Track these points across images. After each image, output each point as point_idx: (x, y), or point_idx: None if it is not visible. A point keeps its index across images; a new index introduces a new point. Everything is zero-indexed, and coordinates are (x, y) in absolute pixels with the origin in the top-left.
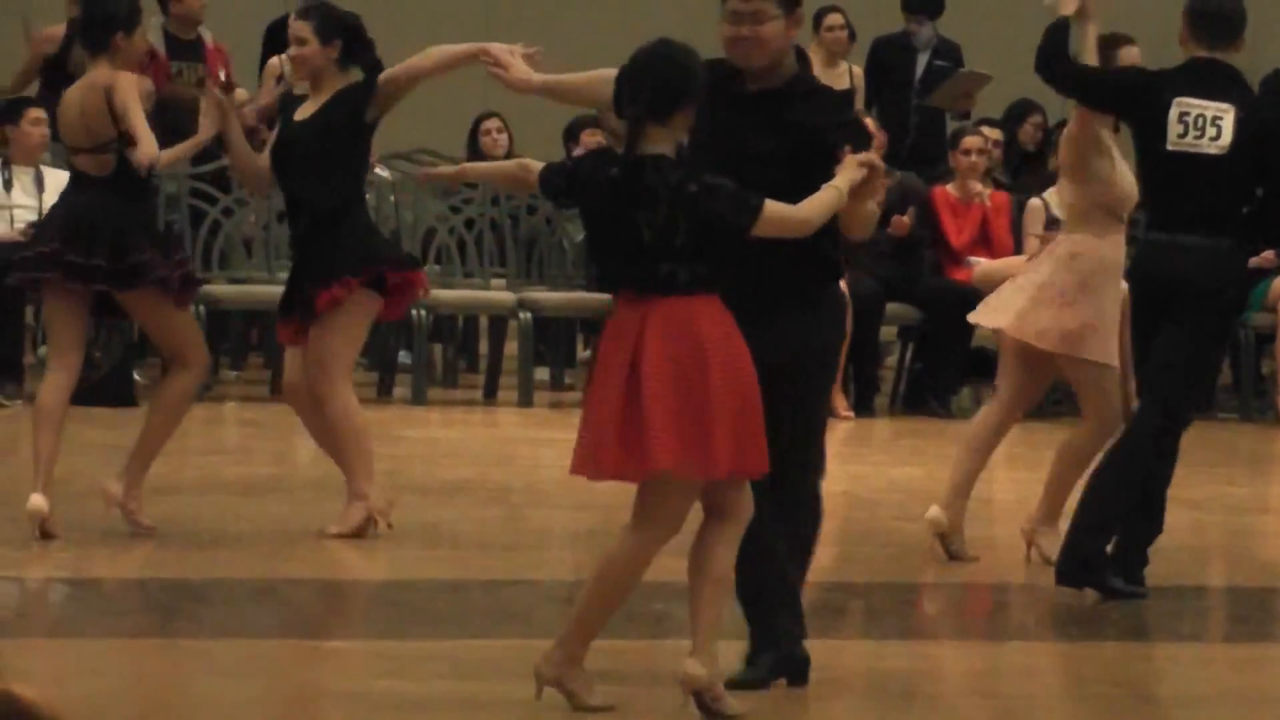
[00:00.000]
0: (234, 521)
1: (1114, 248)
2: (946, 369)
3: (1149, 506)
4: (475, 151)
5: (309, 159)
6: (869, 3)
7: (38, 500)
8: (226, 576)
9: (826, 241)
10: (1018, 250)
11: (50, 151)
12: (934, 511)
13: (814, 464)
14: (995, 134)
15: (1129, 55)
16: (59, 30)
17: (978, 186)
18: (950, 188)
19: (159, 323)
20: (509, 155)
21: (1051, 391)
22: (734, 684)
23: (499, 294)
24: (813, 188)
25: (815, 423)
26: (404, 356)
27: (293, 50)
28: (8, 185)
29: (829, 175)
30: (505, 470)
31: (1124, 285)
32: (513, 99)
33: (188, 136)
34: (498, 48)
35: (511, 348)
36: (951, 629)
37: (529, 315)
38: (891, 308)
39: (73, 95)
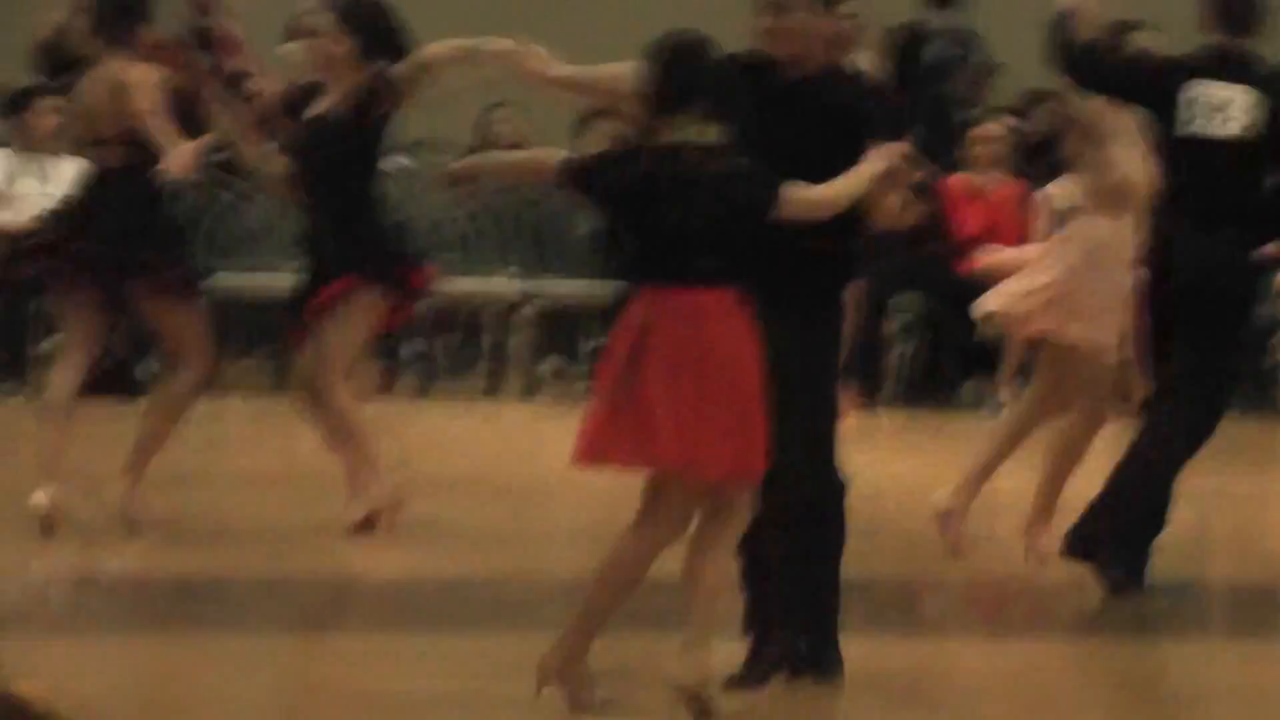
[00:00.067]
0: (238, 517)
1: (1112, 234)
2: (953, 361)
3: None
4: (485, 141)
5: (324, 155)
6: None
7: (43, 496)
8: (231, 572)
9: (848, 234)
10: (1029, 240)
11: (61, 140)
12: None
13: (820, 458)
14: (1006, 124)
15: (1140, 42)
16: (58, 15)
17: (991, 176)
18: (959, 178)
19: (162, 318)
20: (519, 145)
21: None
22: (732, 682)
23: (507, 284)
24: None
25: (820, 418)
26: (408, 348)
27: (311, 43)
28: (19, 174)
29: None
30: (510, 464)
31: (1127, 275)
32: (525, 89)
33: (199, 124)
34: (499, 43)
35: (518, 339)
36: (954, 625)
37: (537, 305)
38: (901, 298)
39: (86, 85)
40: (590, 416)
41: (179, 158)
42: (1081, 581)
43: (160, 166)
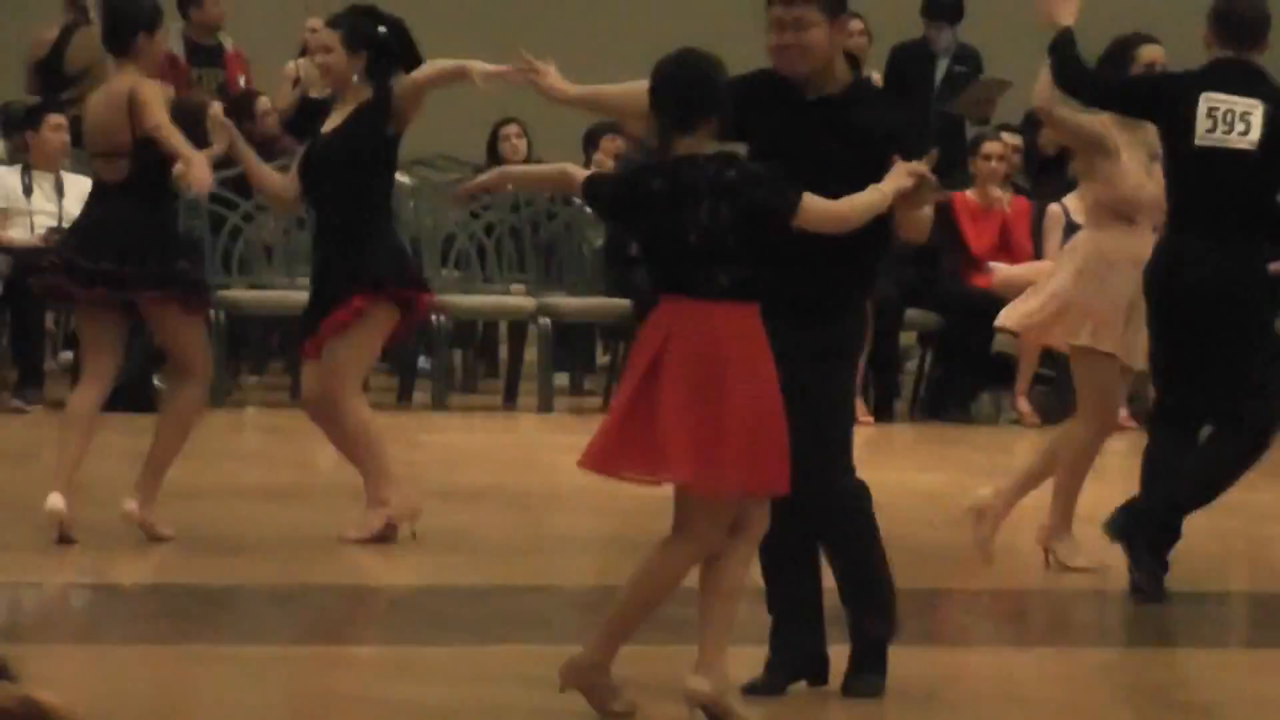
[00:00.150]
0: (254, 527)
1: (1117, 243)
2: (966, 375)
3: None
4: (495, 157)
5: (335, 172)
6: (889, 9)
7: (56, 500)
8: (246, 582)
9: (866, 248)
10: (1038, 256)
11: (71, 157)
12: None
13: (834, 463)
14: (1015, 140)
15: (1149, 53)
16: (51, 34)
17: (997, 192)
18: (970, 193)
19: (166, 328)
20: (528, 160)
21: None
22: (750, 690)
23: (519, 300)
24: None
25: (836, 426)
26: (423, 362)
27: (319, 58)
28: (28, 191)
29: None
30: (525, 475)
31: (1136, 284)
32: (532, 104)
33: (205, 143)
34: (482, 66)
35: (531, 353)
36: (972, 635)
37: (548, 321)
38: (911, 313)
39: (96, 99)
40: (604, 423)
41: (200, 168)
42: (1101, 590)
43: (181, 178)
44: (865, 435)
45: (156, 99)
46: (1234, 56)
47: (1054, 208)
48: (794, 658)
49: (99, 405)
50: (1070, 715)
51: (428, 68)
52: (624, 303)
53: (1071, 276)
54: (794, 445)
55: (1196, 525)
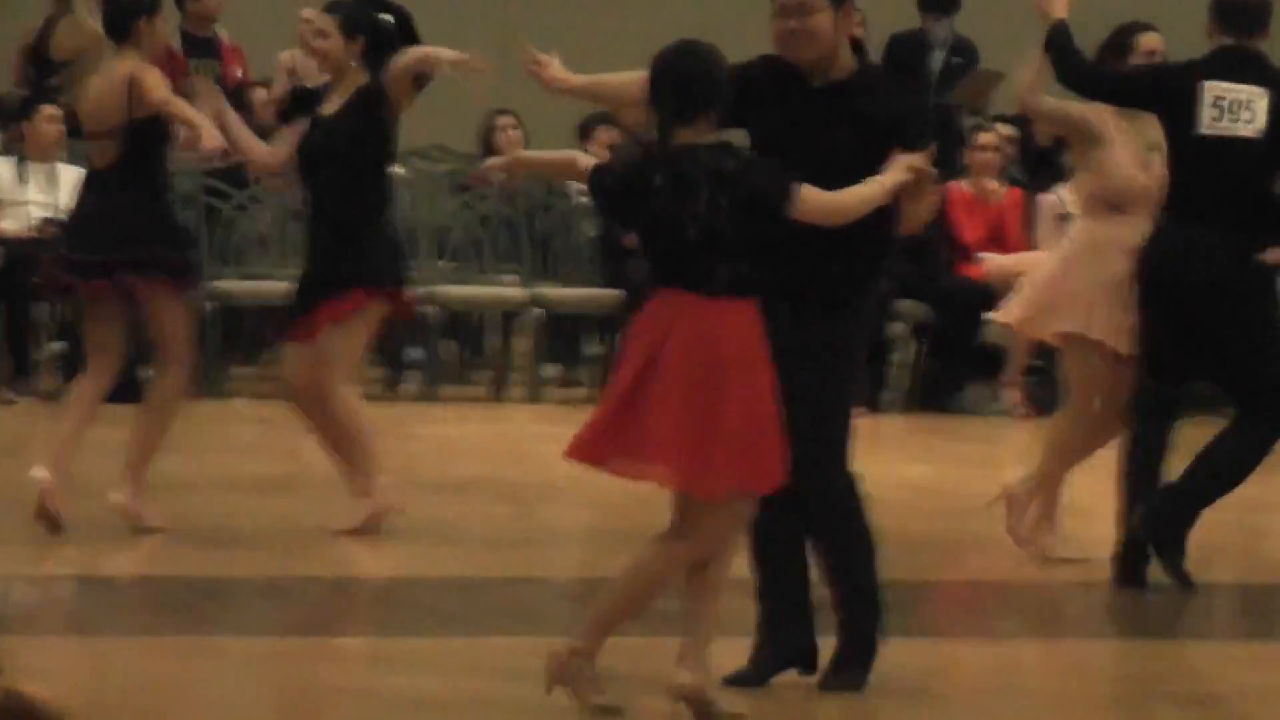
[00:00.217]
0: (245, 519)
1: (1108, 231)
2: (958, 366)
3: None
4: (489, 148)
5: (332, 157)
6: (885, 0)
7: (40, 470)
8: (237, 574)
9: (869, 244)
10: (1030, 247)
11: (66, 149)
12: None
13: (831, 460)
14: (1009, 131)
15: (1148, 41)
16: (37, 24)
17: (992, 184)
18: (964, 184)
19: (153, 311)
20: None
21: None
22: (734, 680)
23: (511, 290)
24: None
25: (834, 426)
26: (414, 353)
27: (315, 43)
28: (22, 181)
29: None
30: (515, 467)
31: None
32: (527, 96)
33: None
34: (447, 53)
35: (522, 345)
36: (961, 627)
37: (541, 311)
38: (903, 304)
39: (94, 81)
40: (595, 414)
41: (209, 132)
42: (1089, 582)
43: (191, 144)
44: (855, 426)
45: (159, 79)
46: (1236, 44)
47: (1048, 198)
48: (783, 647)
49: (101, 395)
50: (1061, 707)
51: (405, 55)
52: (617, 294)
53: (1059, 264)
54: (792, 442)
55: None
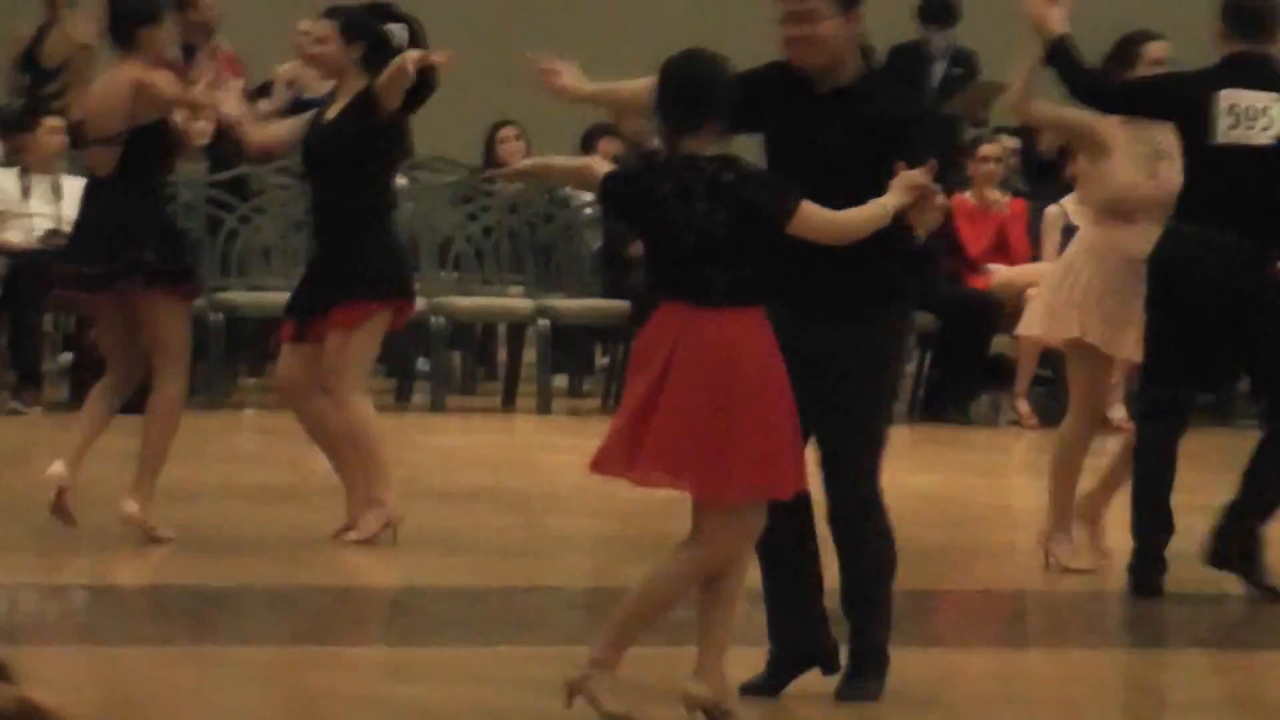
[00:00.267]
0: (251, 528)
1: (1110, 238)
2: (964, 376)
3: (1158, 512)
4: (492, 160)
5: (330, 161)
6: (884, 11)
7: (58, 466)
8: (244, 583)
9: (882, 257)
10: (1035, 258)
11: (68, 160)
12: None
13: (862, 476)
14: (1012, 142)
15: (1155, 50)
16: (28, 31)
17: (995, 194)
18: (967, 196)
19: (152, 317)
20: None
21: None
22: (749, 689)
23: (517, 301)
24: None
25: (864, 436)
26: (422, 364)
27: (314, 49)
28: (25, 193)
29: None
30: (523, 477)
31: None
32: (529, 107)
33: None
34: (413, 54)
35: (529, 355)
36: (971, 636)
37: (547, 323)
38: None
39: (97, 86)
40: (613, 426)
41: (228, 102)
42: (1097, 591)
43: (222, 115)
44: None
45: (169, 79)
46: (1247, 50)
47: (1052, 209)
48: (791, 650)
49: (117, 402)
50: (1069, 716)
51: (389, 65)
52: (622, 304)
53: (1059, 272)
54: (824, 450)
55: (1194, 527)
